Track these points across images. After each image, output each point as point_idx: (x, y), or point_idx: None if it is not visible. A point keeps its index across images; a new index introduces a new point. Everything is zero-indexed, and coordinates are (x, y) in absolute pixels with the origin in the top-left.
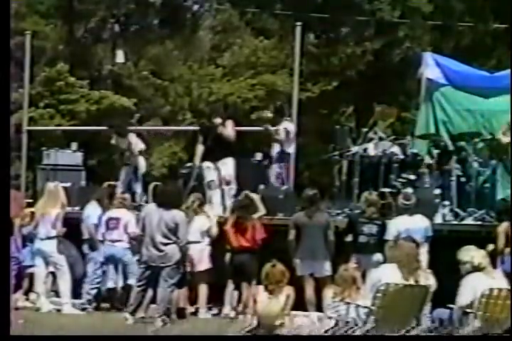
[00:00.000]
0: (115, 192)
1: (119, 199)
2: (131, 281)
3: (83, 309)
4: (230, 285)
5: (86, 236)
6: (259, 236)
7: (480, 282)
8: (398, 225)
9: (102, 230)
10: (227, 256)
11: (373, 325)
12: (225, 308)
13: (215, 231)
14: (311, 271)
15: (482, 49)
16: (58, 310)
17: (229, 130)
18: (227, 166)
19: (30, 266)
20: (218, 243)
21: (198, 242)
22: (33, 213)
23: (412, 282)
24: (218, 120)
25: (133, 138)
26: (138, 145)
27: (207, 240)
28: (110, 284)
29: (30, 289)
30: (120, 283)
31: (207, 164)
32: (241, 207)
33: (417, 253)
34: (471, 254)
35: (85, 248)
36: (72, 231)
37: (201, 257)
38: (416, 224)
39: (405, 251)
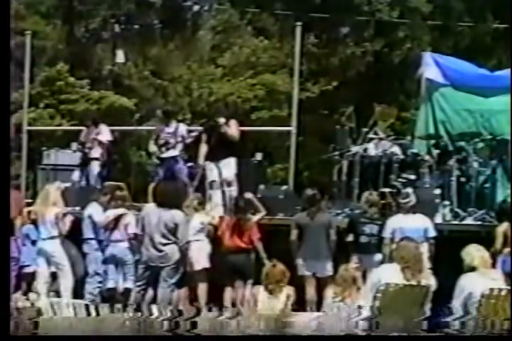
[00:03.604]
0: (117, 191)
1: (118, 198)
2: (130, 283)
3: (84, 309)
4: (229, 286)
5: (87, 235)
6: (255, 236)
7: (479, 282)
8: (393, 223)
9: (102, 230)
10: (224, 257)
11: (373, 324)
12: (225, 308)
13: (211, 230)
14: (313, 271)
15: (482, 49)
16: (58, 310)
17: (233, 130)
18: (229, 167)
19: (31, 266)
20: (217, 242)
21: (197, 241)
22: (30, 212)
23: (413, 282)
24: (222, 119)
25: (103, 128)
26: (106, 135)
27: (206, 239)
28: (110, 284)
29: (30, 289)
30: (121, 284)
31: (209, 164)
32: (241, 208)
33: (421, 254)
34: (472, 254)
35: (86, 247)
36: (72, 231)
37: (199, 256)
38: (413, 224)
39: (410, 251)
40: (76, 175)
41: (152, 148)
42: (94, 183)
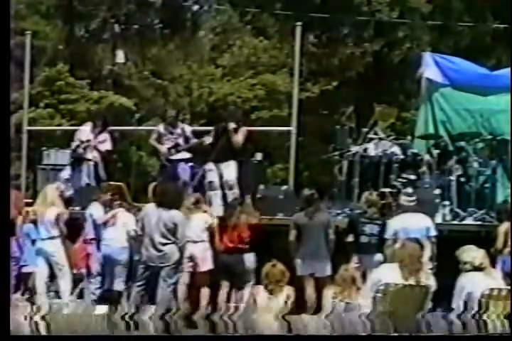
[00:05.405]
0: (119, 191)
1: (118, 198)
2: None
3: (83, 309)
4: (224, 286)
5: (89, 235)
6: (245, 234)
7: (479, 282)
8: (396, 224)
9: (101, 230)
10: (218, 258)
11: (373, 325)
12: (223, 308)
13: (213, 229)
14: (312, 271)
15: (482, 49)
16: (58, 310)
17: (239, 137)
18: (230, 170)
19: (31, 266)
20: (214, 243)
21: (201, 241)
22: (30, 212)
23: (412, 282)
24: (232, 125)
25: (107, 136)
26: (107, 144)
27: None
28: (108, 285)
29: (30, 289)
30: (118, 284)
31: (209, 164)
32: (233, 209)
33: (420, 255)
34: (471, 254)
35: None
36: (72, 231)
37: (204, 257)
38: (415, 224)
39: (408, 251)
40: (67, 173)
41: (162, 149)
42: (89, 183)
